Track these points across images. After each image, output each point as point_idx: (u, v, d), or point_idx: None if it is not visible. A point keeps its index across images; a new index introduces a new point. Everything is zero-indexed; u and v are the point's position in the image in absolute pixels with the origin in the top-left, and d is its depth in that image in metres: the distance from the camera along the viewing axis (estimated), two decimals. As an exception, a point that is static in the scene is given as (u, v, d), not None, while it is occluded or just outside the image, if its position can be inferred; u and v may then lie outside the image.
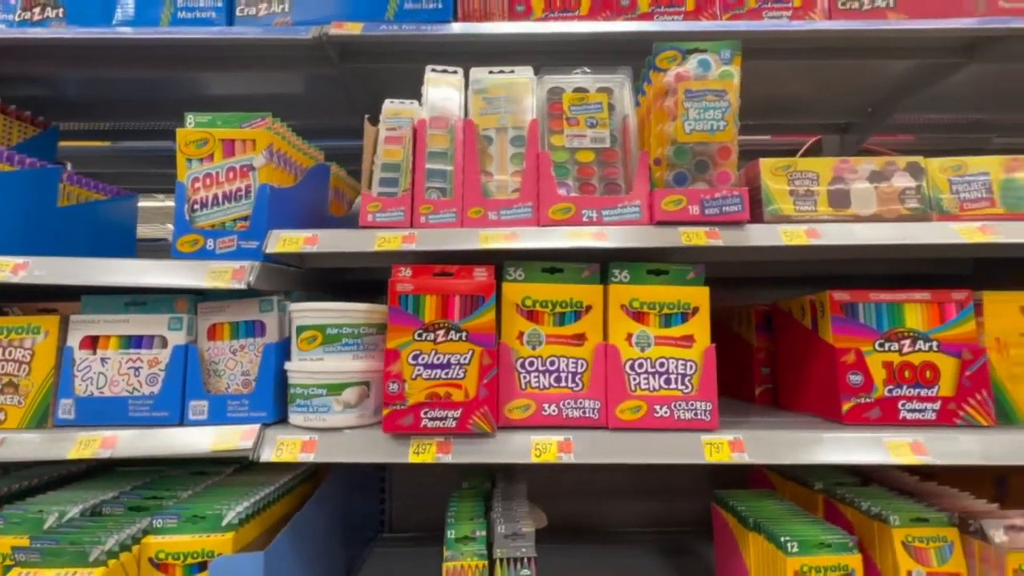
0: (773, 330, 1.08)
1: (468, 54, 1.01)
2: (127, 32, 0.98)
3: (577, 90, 0.90)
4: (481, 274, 0.79)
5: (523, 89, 0.89)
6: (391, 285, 0.77)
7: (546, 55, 1.02)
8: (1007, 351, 0.85)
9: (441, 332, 0.76)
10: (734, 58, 0.83)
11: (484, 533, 0.81)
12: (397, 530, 1.34)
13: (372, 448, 0.76)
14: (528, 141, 0.85)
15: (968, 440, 0.78)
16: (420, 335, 0.76)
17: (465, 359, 0.76)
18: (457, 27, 0.98)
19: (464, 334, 0.76)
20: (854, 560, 0.79)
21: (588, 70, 0.93)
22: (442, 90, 0.89)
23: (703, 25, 0.99)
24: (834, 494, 1.00)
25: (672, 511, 1.36)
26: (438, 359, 0.76)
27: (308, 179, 0.97)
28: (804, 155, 1.67)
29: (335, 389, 0.77)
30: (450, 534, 0.81)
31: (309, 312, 0.79)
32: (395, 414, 0.75)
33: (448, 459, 0.75)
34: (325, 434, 0.77)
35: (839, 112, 1.57)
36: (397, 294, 0.77)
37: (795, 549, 0.78)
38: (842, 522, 0.96)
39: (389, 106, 0.91)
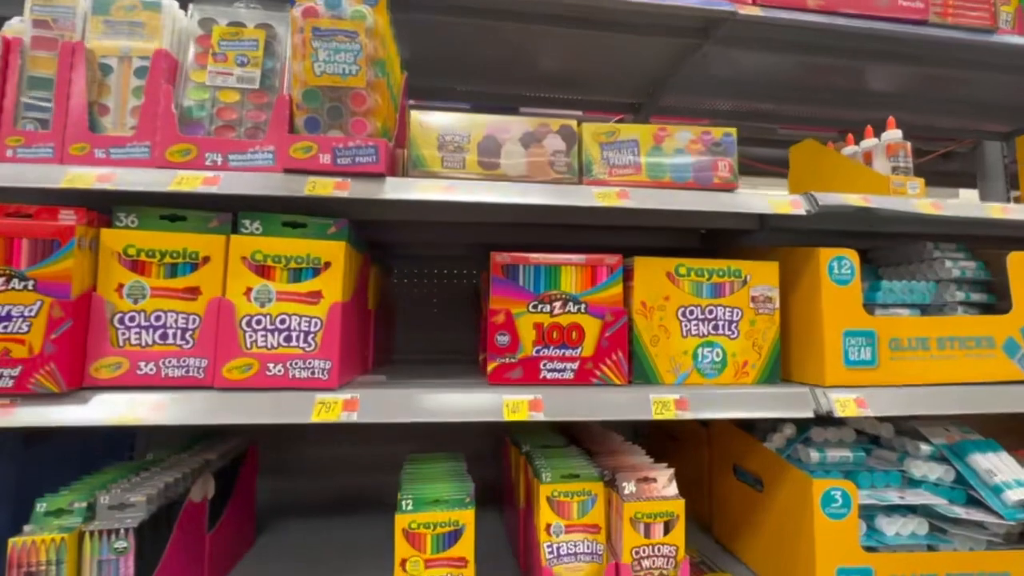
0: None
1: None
2: None
3: (232, 24, 0.83)
4: (68, 217, 0.70)
5: (158, 15, 0.80)
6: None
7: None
8: (652, 314, 0.90)
9: (1, 280, 0.67)
10: (379, 2, 0.79)
11: (85, 504, 0.74)
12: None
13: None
14: (151, 72, 0.76)
15: (583, 396, 0.82)
16: (-28, 283, 0.66)
17: (30, 311, 0.67)
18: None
19: (31, 283, 0.67)
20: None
21: (255, 4, 0.85)
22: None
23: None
24: (528, 455, 1.03)
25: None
26: (-5, 310, 0.66)
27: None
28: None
29: None
30: (39, 507, 0.73)
31: None
32: (-68, 372, 0.65)
33: (9, 423, 0.66)
34: None
35: (625, 91, 1.62)
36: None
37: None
38: (526, 482, 0.99)
39: None
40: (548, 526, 0.85)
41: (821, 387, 0.90)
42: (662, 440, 1.42)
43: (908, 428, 1.05)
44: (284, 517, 1.31)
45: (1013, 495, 0.91)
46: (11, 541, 0.68)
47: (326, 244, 0.77)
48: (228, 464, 1.05)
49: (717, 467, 1.19)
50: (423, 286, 1.47)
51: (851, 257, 0.92)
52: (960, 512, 0.93)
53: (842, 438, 1.04)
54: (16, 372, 0.66)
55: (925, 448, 1.00)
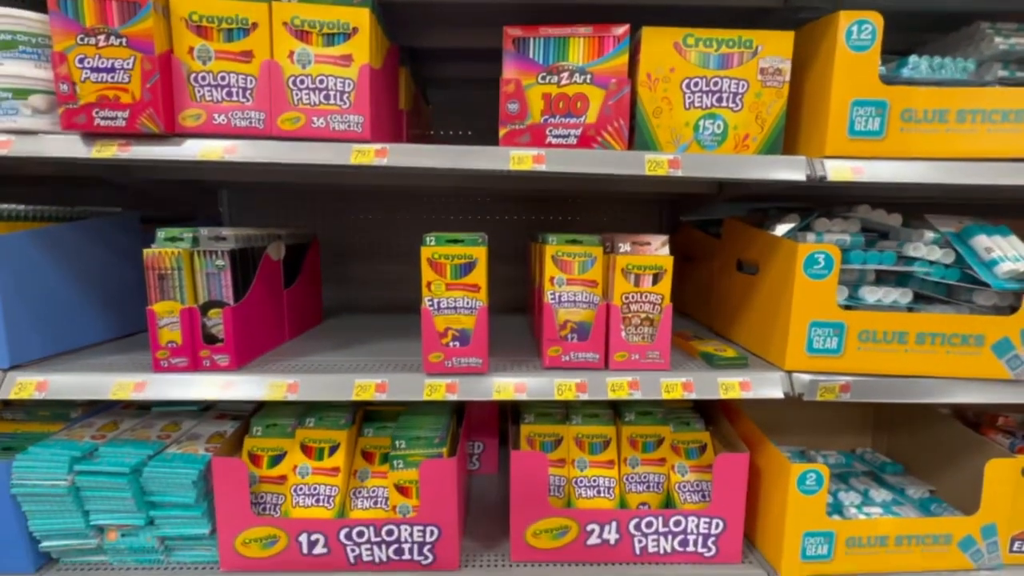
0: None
1: None
2: None
3: None
4: (142, -18, 0.83)
5: None
6: (49, -11, 0.82)
7: None
8: (656, 86, 0.94)
9: (102, 37, 0.83)
10: None
11: (191, 236, 0.97)
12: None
13: (62, 146, 0.87)
14: None
15: (582, 153, 0.91)
16: (82, 39, 0.83)
17: (128, 64, 0.83)
18: None
19: (124, 40, 0.83)
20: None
21: None
22: None
23: None
24: (543, 238, 1.16)
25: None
26: (103, 63, 0.83)
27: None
28: None
29: (20, 94, 0.86)
30: (160, 234, 0.96)
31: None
32: (69, 112, 0.84)
33: (126, 155, 0.86)
34: (19, 136, 0.87)
35: None
36: (56, -2, 0.82)
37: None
38: (540, 261, 1.14)
39: None
40: (552, 278, 0.99)
41: (820, 157, 0.93)
42: (677, 263, 1.52)
43: (920, 223, 1.07)
44: (344, 313, 1.59)
45: (1006, 267, 0.94)
46: (145, 252, 0.93)
47: (354, 11, 0.86)
48: (295, 244, 1.27)
49: (722, 269, 1.28)
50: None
51: (874, 21, 0.88)
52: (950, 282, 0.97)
53: (846, 228, 1.08)
54: (126, 115, 0.85)
55: (929, 235, 1.02)
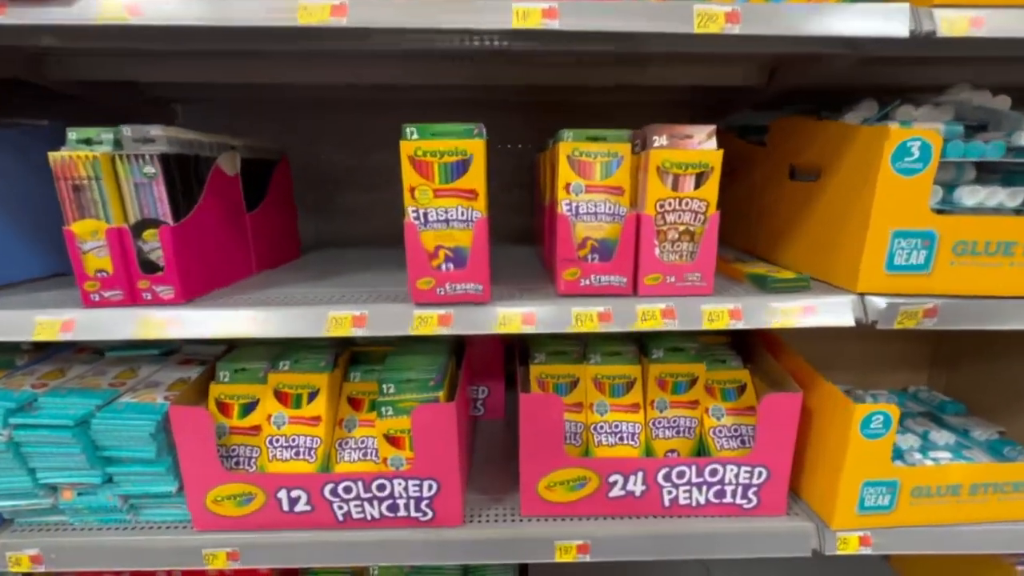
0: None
1: None
2: None
3: None
4: None
5: None
6: None
7: None
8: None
9: None
10: None
11: (112, 136, 0.77)
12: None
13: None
14: None
15: (606, 8, 0.67)
16: None
17: None
18: None
19: None
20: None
21: None
22: None
23: None
24: (556, 136, 0.95)
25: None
26: None
27: None
28: None
29: None
30: (71, 135, 0.76)
31: None
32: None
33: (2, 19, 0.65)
34: None
35: None
36: None
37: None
38: (552, 167, 0.93)
39: None
40: (568, 185, 0.79)
41: (929, 6, 0.70)
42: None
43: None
44: (326, 247, 1.41)
45: None
46: (51, 155, 0.73)
47: None
48: (258, 160, 1.07)
49: (769, 180, 1.06)
50: None
51: None
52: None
53: (937, 117, 0.85)
54: None
55: (1050, 120, 0.80)
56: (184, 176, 0.82)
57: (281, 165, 1.16)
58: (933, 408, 1.17)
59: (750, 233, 1.15)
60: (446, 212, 0.73)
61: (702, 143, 0.78)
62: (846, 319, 0.78)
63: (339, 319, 0.77)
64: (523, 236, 1.46)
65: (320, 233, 1.45)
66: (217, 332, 0.77)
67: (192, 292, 0.83)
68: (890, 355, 1.30)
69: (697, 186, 0.77)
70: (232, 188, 0.96)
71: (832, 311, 0.79)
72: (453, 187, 0.73)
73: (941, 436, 1.05)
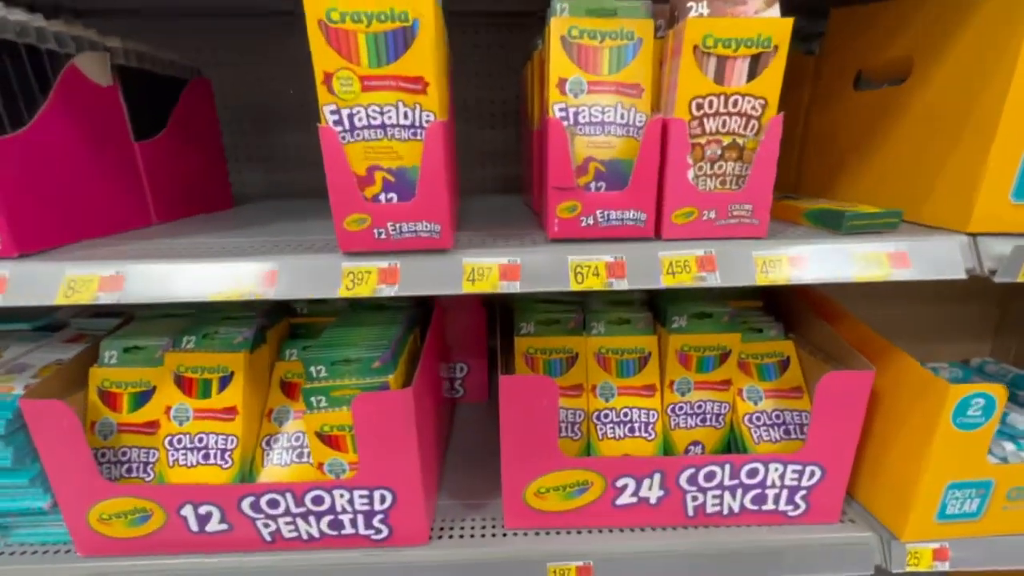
0: None
1: None
2: None
3: None
4: None
5: None
6: None
7: None
8: None
9: None
10: None
11: None
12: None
13: None
14: None
15: None
16: None
17: None
18: None
19: None
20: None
21: None
22: None
23: None
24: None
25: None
26: None
27: None
28: None
29: None
30: None
31: None
32: None
33: None
34: None
35: None
36: None
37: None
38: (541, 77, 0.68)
39: None
40: (562, 81, 0.55)
41: None
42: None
43: None
44: (265, 199, 1.16)
45: None
46: None
47: None
48: (155, 76, 0.81)
49: (824, 96, 0.82)
50: None
51: None
52: None
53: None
54: None
55: None
56: (20, 75, 0.57)
57: (194, 87, 0.89)
58: (1006, 383, 0.97)
59: (790, 169, 0.92)
60: (381, 112, 0.49)
61: (760, 11, 0.53)
62: (954, 270, 0.56)
63: (240, 277, 0.54)
64: (508, 182, 1.21)
65: (271, 184, 1.19)
66: (62, 298, 0.53)
67: (39, 241, 0.59)
68: (946, 320, 1.09)
69: (751, 76, 0.53)
70: (105, 103, 0.70)
71: (931, 259, 0.56)
72: (391, 72, 0.48)
73: (1022, 419, 0.85)
